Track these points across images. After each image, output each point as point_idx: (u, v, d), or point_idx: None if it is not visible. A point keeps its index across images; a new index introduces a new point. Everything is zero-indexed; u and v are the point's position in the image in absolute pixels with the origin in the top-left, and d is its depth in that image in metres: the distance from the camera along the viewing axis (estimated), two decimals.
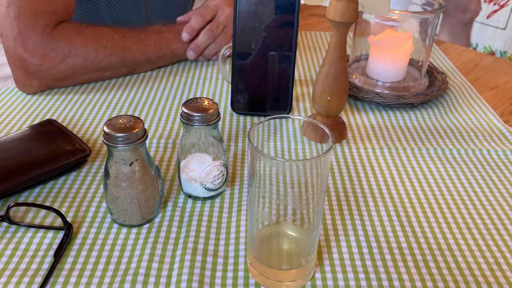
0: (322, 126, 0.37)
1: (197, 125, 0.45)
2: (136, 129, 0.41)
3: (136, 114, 0.65)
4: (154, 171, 0.45)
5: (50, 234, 0.45)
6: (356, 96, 0.69)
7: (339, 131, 0.60)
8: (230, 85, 0.66)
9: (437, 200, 0.50)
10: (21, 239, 0.44)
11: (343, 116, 0.66)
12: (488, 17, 1.68)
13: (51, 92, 0.70)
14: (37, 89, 0.69)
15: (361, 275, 0.41)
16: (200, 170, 0.47)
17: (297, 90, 0.73)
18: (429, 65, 0.77)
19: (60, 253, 0.42)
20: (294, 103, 0.69)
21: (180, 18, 0.80)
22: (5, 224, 0.46)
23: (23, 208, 0.47)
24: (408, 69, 0.73)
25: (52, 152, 0.51)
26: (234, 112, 0.66)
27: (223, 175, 0.48)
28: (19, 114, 0.64)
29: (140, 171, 0.43)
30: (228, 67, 0.75)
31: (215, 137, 0.47)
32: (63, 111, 0.66)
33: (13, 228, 0.45)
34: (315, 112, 0.62)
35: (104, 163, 0.44)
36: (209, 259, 0.42)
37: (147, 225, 0.46)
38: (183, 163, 0.48)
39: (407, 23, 0.69)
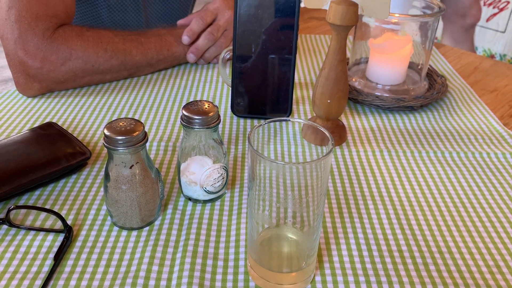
0: (322, 129, 0.37)
1: (197, 128, 0.45)
2: (137, 132, 0.41)
3: (136, 117, 0.66)
4: (154, 174, 0.45)
5: (50, 237, 0.45)
6: (356, 99, 0.69)
7: (339, 134, 0.60)
8: (230, 88, 0.66)
9: (437, 203, 0.50)
10: (21, 242, 0.44)
11: (343, 119, 0.67)
12: (487, 20, 1.69)
13: (51, 95, 0.70)
14: (38, 92, 0.69)
15: (361, 278, 0.41)
16: (200, 173, 0.47)
17: (297, 93, 0.73)
18: (428, 68, 0.77)
19: (60, 256, 0.42)
20: (294, 106, 0.69)
21: (180, 21, 0.80)
22: (5, 227, 0.46)
23: (23, 211, 0.47)
24: (407, 72, 0.73)
25: (53, 155, 0.52)
26: (234, 115, 0.67)
27: (223, 178, 0.48)
28: (19, 117, 0.64)
29: (140, 174, 0.43)
30: (228, 70, 0.76)
31: (215, 140, 0.47)
32: (64, 114, 0.66)
33: (13, 231, 0.45)
34: (315, 115, 0.62)
35: (105, 166, 0.44)
36: (209, 262, 0.42)
37: (147, 228, 0.46)
38: (183, 166, 0.48)
39: (407, 26, 0.69)
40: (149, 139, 0.60)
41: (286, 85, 0.63)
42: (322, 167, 0.34)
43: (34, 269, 0.41)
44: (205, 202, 0.49)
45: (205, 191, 0.48)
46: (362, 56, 0.77)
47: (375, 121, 0.66)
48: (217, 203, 0.50)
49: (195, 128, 0.45)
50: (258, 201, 0.37)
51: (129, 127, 0.42)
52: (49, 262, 0.42)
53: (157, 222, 0.47)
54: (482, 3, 1.61)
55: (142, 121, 0.64)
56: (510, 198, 0.51)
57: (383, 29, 0.69)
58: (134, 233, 0.45)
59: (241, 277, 0.41)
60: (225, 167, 0.48)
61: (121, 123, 0.42)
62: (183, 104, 0.69)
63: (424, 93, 0.71)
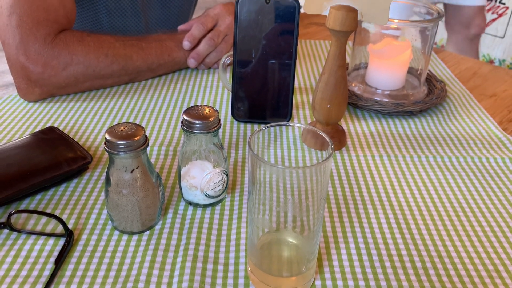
0: (322, 133, 0.37)
1: (198, 133, 0.45)
2: (138, 137, 0.41)
3: (137, 122, 0.66)
4: (155, 178, 0.45)
5: (51, 241, 0.45)
6: (356, 104, 0.69)
7: (339, 139, 0.60)
8: (231, 93, 0.66)
9: (437, 208, 0.51)
10: (22, 246, 0.44)
11: (342, 123, 0.67)
12: (486, 25, 1.69)
13: (52, 99, 0.71)
14: (39, 96, 0.69)
15: (361, 282, 0.41)
16: (200, 177, 0.47)
17: (297, 98, 0.74)
18: (428, 73, 0.77)
19: (61, 260, 0.42)
20: (294, 111, 0.70)
21: (181, 27, 0.81)
22: (6, 231, 0.46)
23: (24, 215, 0.48)
24: (407, 77, 0.73)
25: (54, 160, 0.52)
26: (234, 120, 0.67)
27: (223, 182, 0.48)
28: (20, 121, 0.65)
29: (141, 178, 0.43)
30: (228, 75, 0.76)
31: (215, 145, 0.48)
32: (65, 118, 0.66)
33: (14, 235, 0.45)
34: (315, 119, 0.62)
35: (105, 170, 0.45)
36: (210, 266, 0.42)
37: (147, 232, 0.46)
38: (183, 170, 0.48)
39: (406, 32, 0.69)
40: (150, 144, 0.61)
41: (286, 90, 0.64)
42: (322, 171, 0.35)
43: (35, 273, 0.41)
44: (205, 206, 0.49)
45: (206, 195, 0.48)
46: (361, 61, 0.77)
47: (375, 126, 0.66)
48: (218, 207, 0.50)
49: (195, 132, 0.45)
50: (258, 205, 0.37)
51: (130, 132, 0.42)
52: (50, 266, 0.42)
53: (157, 227, 0.47)
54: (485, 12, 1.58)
55: (143, 126, 0.64)
56: (509, 203, 0.52)
57: (382, 35, 0.70)
58: (135, 237, 0.45)
59: (241, 281, 0.41)
60: (225, 171, 0.48)
61: (122, 128, 0.42)
62: (184, 108, 0.69)
63: (424, 98, 0.71)
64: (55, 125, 0.64)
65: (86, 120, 0.66)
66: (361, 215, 0.49)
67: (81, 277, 0.41)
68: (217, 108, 0.70)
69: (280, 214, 0.37)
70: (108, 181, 0.44)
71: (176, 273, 0.41)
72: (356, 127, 0.66)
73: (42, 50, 0.65)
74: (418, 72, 0.74)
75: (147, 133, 0.63)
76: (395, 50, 0.69)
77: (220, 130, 0.64)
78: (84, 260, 0.43)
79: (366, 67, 0.74)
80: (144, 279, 0.41)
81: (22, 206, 0.49)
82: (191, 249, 0.44)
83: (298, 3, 0.59)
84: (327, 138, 0.37)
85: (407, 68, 0.71)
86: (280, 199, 0.36)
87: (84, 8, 0.85)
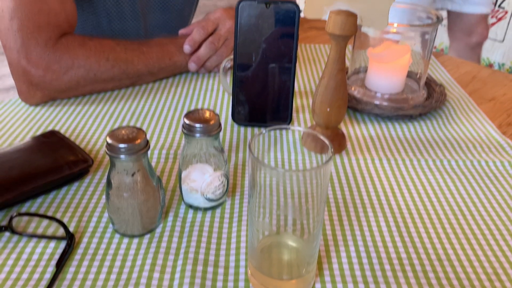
0: (321, 137, 0.38)
1: (198, 136, 0.46)
2: (138, 140, 0.42)
3: (138, 125, 0.66)
4: (155, 182, 0.45)
5: (52, 244, 0.45)
6: (355, 107, 0.70)
7: (339, 142, 0.61)
8: (231, 97, 0.66)
9: (436, 211, 0.51)
10: (23, 249, 0.44)
11: (342, 127, 0.67)
12: None
13: (54, 103, 0.71)
14: (40, 100, 0.69)
15: (361, 285, 0.41)
16: (201, 181, 0.47)
17: (297, 101, 0.74)
18: (427, 77, 0.78)
19: (62, 263, 0.42)
20: (294, 115, 0.70)
21: (182, 31, 0.81)
22: (7, 234, 0.46)
23: (25, 218, 0.48)
24: (406, 81, 0.73)
25: (55, 163, 0.52)
26: (235, 123, 0.67)
27: (224, 186, 0.49)
28: (22, 125, 0.65)
29: (142, 181, 0.44)
30: (229, 79, 0.76)
31: (216, 148, 0.48)
32: (66, 122, 0.66)
33: (15, 238, 0.46)
34: (315, 123, 0.63)
35: (106, 173, 0.45)
36: (210, 269, 0.42)
37: (148, 235, 0.46)
38: (184, 174, 0.48)
39: (406, 35, 0.70)
40: (151, 147, 0.61)
41: (286, 93, 0.64)
42: (322, 174, 0.35)
43: (36, 276, 0.41)
44: (206, 209, 0.50)
45: (206, 198, 0.48)
46: (361, 65, 0.78)
47: (374, 129, 0.67)
48: (218, 210, 0.50)
49: (196, 136, 0.46)
50: (259, 209, 0.37)
51: (131, 135, 0.42)
52: (51, 269, 0.42)
53: (158, 230, 0.47)
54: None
55: (144, 129, 0.65)
56: (508, 206, 0.52)
57: (382, 39, 0.70)
58: (136, 240, 0.46)
59: (241, 284, 0.41)
60: (225, 174, 0.49)
61: (123, 131, 0.43)
62: (184, 112, 0.70)
63: (423, 102, 0.71)
64: (56, 128, 0.64)
65: (87, 123, 0.66)
66: (361, 219, 0.49)
67: (82, 280, 0.41)
68: (217, 111, 0.71)
69: (280, 217, 0.37)
70: (109, 184, 0.44)
71: (177, 276, 0.41)
72: (356, 130, 0.66)
73: (44, 54, 0.65)
74: (418, 76, 0.74)
75: (148, 137, 0.63)
76: (394, 54, 0.69)
77: (221, 134, 0.64)
78: (85, 263, 0.43)
79: (366, 71, 0.75)
80: (145, 282, 0.41)
81: (24, 209, 0.49)
82: (191, 252, 0.44)
83: (298, 7, 0.60)
84: (327, 141, 0.37)
85: (407, 72, 0.72)
86: (280, 202, 0.36)
87: (84, 11, 0.86)
